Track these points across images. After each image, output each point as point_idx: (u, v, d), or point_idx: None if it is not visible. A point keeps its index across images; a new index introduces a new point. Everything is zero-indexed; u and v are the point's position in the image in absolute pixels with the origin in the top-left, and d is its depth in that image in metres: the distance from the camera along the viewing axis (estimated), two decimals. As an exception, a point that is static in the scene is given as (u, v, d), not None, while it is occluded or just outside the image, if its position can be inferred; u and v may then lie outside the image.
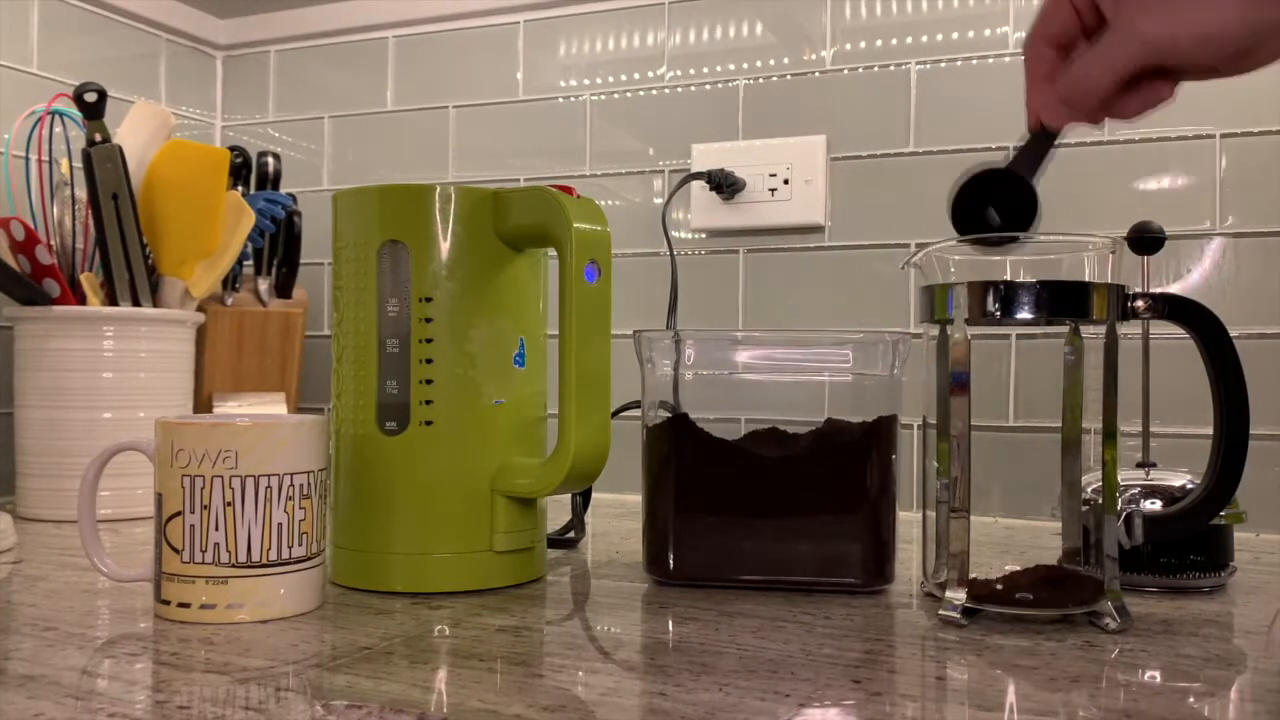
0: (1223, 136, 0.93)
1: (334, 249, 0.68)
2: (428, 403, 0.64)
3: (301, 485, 0.58)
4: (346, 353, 0.66)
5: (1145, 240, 0.72)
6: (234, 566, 0.56)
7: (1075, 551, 0.62)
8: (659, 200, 1.13)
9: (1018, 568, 0.60)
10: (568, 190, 0.64)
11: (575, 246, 0.62)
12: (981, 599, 0.58)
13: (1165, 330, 0.63)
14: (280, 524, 0.57)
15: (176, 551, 0.56)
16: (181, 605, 0.56)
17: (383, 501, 0.64)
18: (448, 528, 0.64)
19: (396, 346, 0.64)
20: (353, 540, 0.65)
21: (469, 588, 0.64)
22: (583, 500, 0.85)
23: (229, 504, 0.56)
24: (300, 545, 0.58)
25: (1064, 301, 0.58)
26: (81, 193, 0.97)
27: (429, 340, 0.64)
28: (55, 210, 0.99)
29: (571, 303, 0.62)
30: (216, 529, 0.56)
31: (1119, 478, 0.64)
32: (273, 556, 0.57)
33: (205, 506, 0.56)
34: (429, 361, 0.64)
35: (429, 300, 0.64)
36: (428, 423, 0.64)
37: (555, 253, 0.64)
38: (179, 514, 0.56)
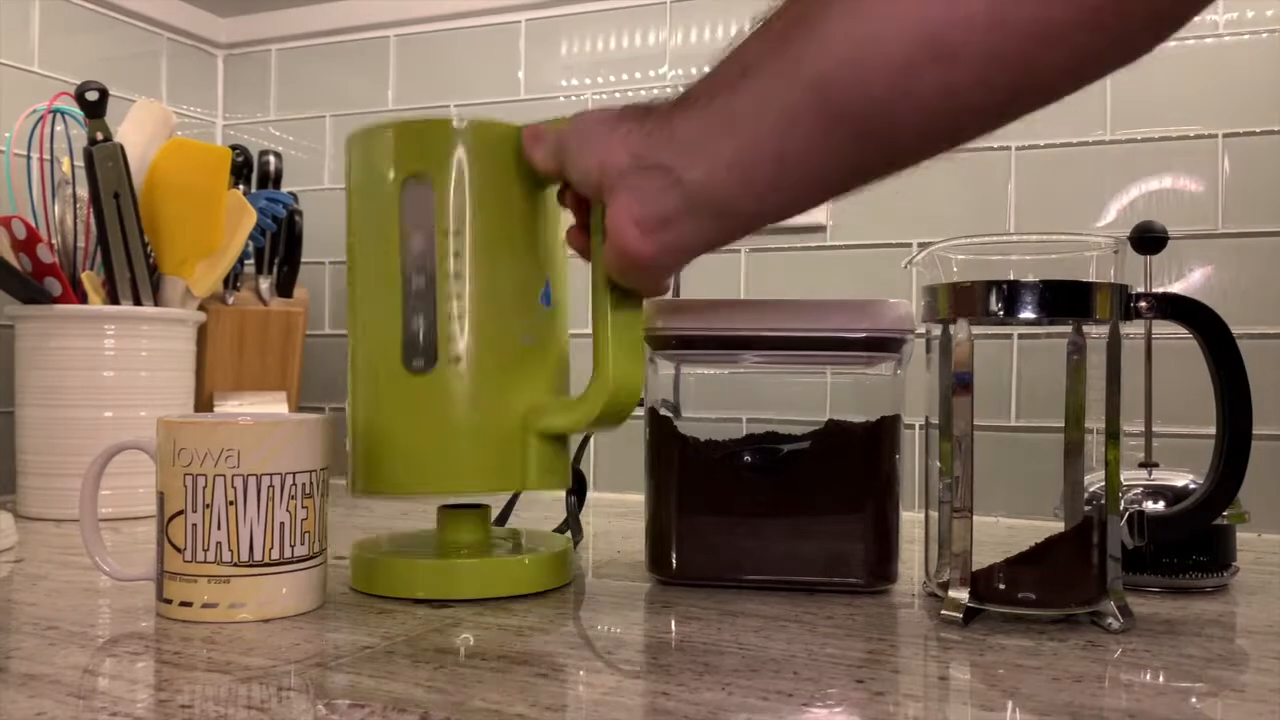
0: (1225, 136, 0.93)
1: (348, 189, 0.66)
2: (456, 340, 0.62)
3: (304, 484, 0.58)
4: (368, 291, 0.64)
5: (1148, 240, 0.72)
6: (236, 565, 0.56)
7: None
8: (660, 200, 1.13)
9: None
10: None
11: None
12: (984, 599, 0.58)
13: (1168, 330, 0.63)
14: (282, 523, 0.57)
15: (178, 550, 0.56)
16: (183, 604, 0.56)
17: (411, 439, 0.63)
18: (478, 467, 0.63)
19: (423, 283, 0.63)
20: (374, 484, 0.64)
21: (495, 595, 0.63)
22: (578, 501, 0.84)
23: (231, 503, 0.56)
24: (302, 544, 0.58)
25: (1067, 301, 0.58)
26: (83, 191, 0.97)
27: (456, 275, 0.62)
28: (57, 209, 0.99)
29: (603, 236, 0.59)
30: (219, 528, 0.56)
31: (1122, 478, 0.64)
32: (275, 556, 0.57)
33: (207, 505, 0.56)
34: (456, 298, 0.62)
35: (456, 234, 0.62)
36: (456, 359, 0.63)
37: None
38: (181, 513, 0.56)
